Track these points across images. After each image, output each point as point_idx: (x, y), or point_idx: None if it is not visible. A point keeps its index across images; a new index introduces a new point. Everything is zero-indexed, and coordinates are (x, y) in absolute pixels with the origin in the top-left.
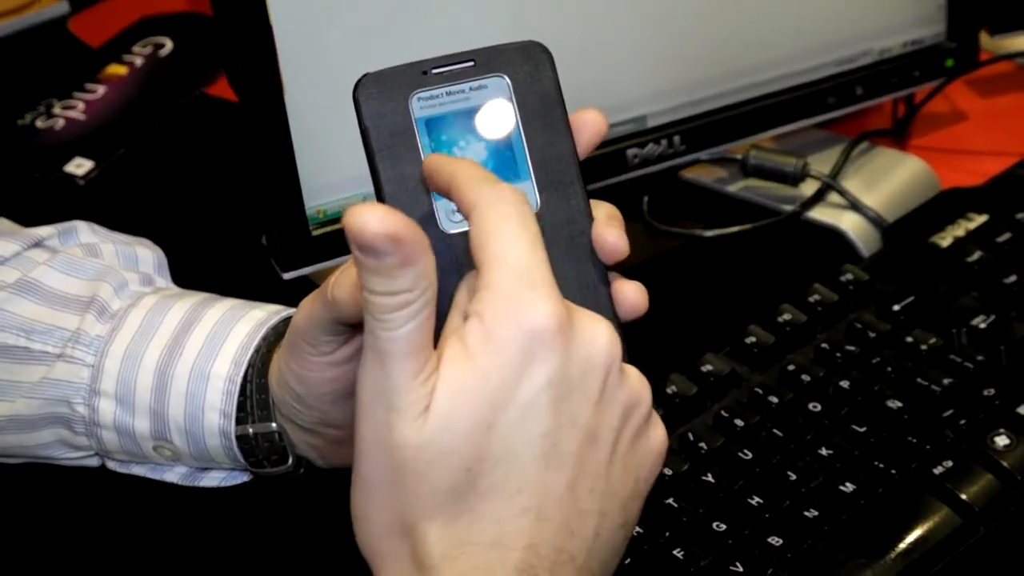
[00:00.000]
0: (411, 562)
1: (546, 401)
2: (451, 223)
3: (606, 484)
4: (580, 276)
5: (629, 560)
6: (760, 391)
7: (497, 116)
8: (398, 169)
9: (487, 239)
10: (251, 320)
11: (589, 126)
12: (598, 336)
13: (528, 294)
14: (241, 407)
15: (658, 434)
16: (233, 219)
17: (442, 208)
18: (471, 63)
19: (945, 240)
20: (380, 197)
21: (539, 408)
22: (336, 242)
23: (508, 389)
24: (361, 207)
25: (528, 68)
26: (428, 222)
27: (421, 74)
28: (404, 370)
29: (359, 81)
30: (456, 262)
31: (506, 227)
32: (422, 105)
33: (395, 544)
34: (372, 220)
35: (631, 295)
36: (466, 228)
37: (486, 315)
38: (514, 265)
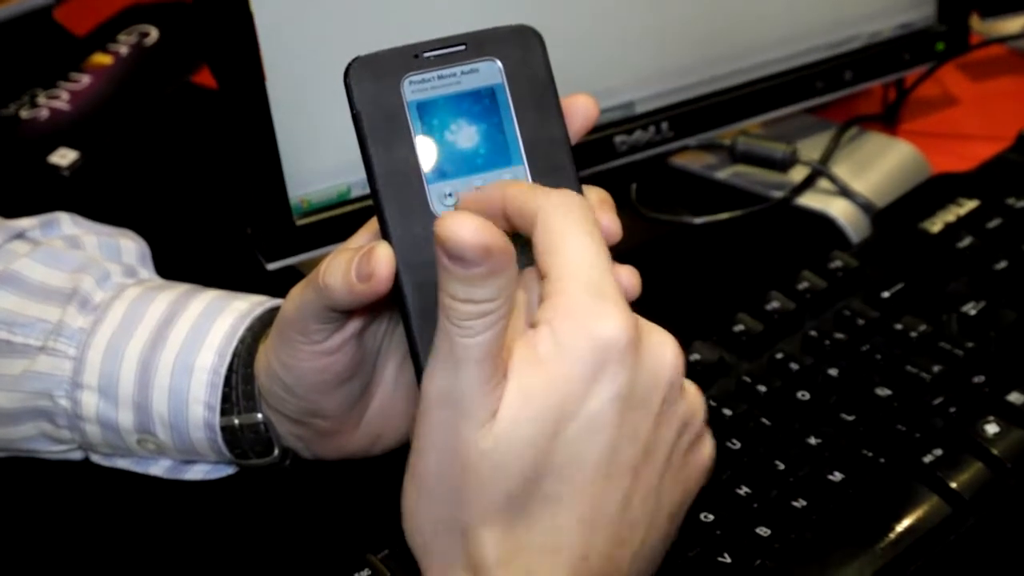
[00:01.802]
0: (463, 563)
1: (611, 414)
2: (444, 206)
3: (656, 496)
4: None
5: None
6: (748, 380)
7: (489, 100)
8: (391, 153)
9: (555, 243)
10: (235, 311)
11: (580, 110)
12: (665, 351)
13: (599, 305)
14: (226, 398)
15: (707, 448)
16: (218, 209)
17: (435, 192)
18: (462, 47)
19: (935, 226)
20: (372, 181)
21: (603, 420)
22: (321, 232)
23: (575, 400)
24: (455, 216)
25: (520, 52)
26: (420, 206)
27: (412, 58)
28: (476, 376)
29: (350, 65)
30: None
31: (574, 232)
32: (414, 89)
33: (446, 542)
34: (465, 230)
35: (624, 279)
36: None
37: (557, 324)
38: (584, 273)
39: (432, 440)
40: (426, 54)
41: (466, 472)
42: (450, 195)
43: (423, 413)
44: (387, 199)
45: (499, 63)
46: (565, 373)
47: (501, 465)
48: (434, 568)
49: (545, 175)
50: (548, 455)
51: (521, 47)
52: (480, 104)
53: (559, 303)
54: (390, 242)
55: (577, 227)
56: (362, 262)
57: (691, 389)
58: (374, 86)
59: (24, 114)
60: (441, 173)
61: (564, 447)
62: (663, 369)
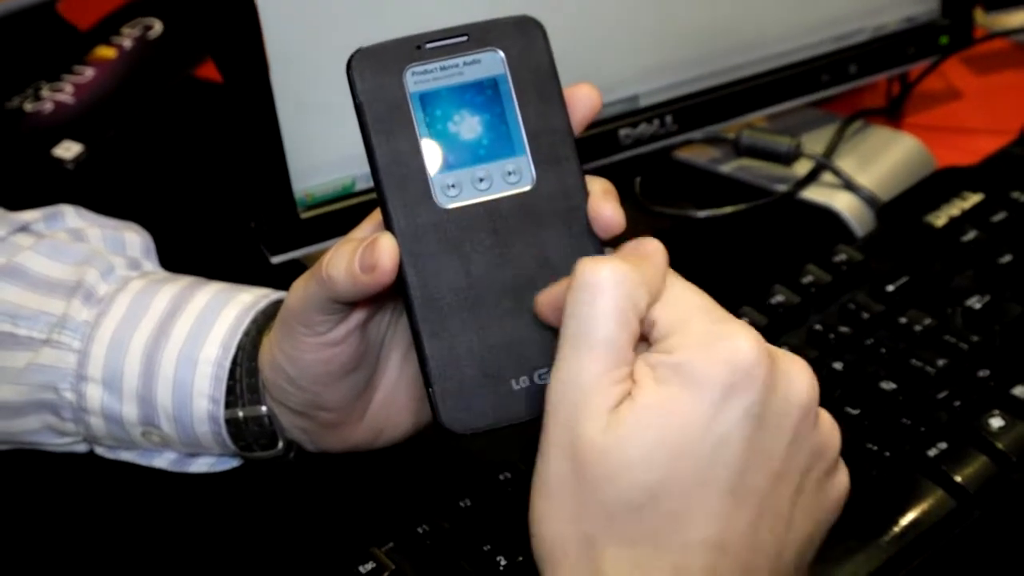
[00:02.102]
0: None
1: (741, 434)
2: (447, 198)
3: (786, 526)
4: (576, 251)
5: None
6: None
7: (491, 91)
8: (393, 144)
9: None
10: (239, 303)
11: (583, 100)
12: (800, 377)
13: (725, 328)
14: (230, 391)
15: (841, 481)
16: (222, 202)
17: (437, 183)
18: (465, 38)
19: (940, 219)
20: (375, 172)
21: (733, 439)
22: (325, 225)
23: (705, 418)
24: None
25: (522, 42)
26: (424, 197)
27: (415, 49)
28: (602, 361)
29: (352, 56)
30: (452, 238)
31: (668, 276)
32: (416, 80)
33: (572, 552)
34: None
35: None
36: (462, 203)
37: (682, 353)
38: (698, 306)
39: (554, 437)
40: (428, 45)
41: (585, 473)
42: (453, 186)
43: (547, 411)
44: (390, 190)
45: (501, 54)
46: (693, 391)
47: (620, 470)
48: None
49: (548, 165)
50: (674, 470)
51: (523, 37)
52: (482, 95)
53: (680, 339)
54: (393, 233)
55: (663, 270)
56: (365, 253)
57: (826, 419)
58: (377, 77)
59: (28, 107)
60: (444, 164)
61: (692, 464)
62: (797, 394)
